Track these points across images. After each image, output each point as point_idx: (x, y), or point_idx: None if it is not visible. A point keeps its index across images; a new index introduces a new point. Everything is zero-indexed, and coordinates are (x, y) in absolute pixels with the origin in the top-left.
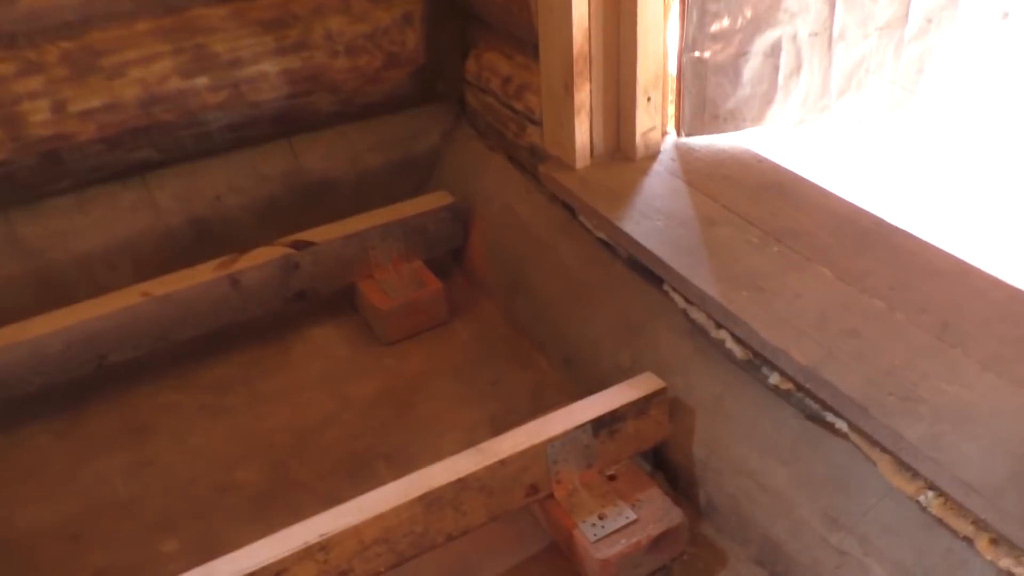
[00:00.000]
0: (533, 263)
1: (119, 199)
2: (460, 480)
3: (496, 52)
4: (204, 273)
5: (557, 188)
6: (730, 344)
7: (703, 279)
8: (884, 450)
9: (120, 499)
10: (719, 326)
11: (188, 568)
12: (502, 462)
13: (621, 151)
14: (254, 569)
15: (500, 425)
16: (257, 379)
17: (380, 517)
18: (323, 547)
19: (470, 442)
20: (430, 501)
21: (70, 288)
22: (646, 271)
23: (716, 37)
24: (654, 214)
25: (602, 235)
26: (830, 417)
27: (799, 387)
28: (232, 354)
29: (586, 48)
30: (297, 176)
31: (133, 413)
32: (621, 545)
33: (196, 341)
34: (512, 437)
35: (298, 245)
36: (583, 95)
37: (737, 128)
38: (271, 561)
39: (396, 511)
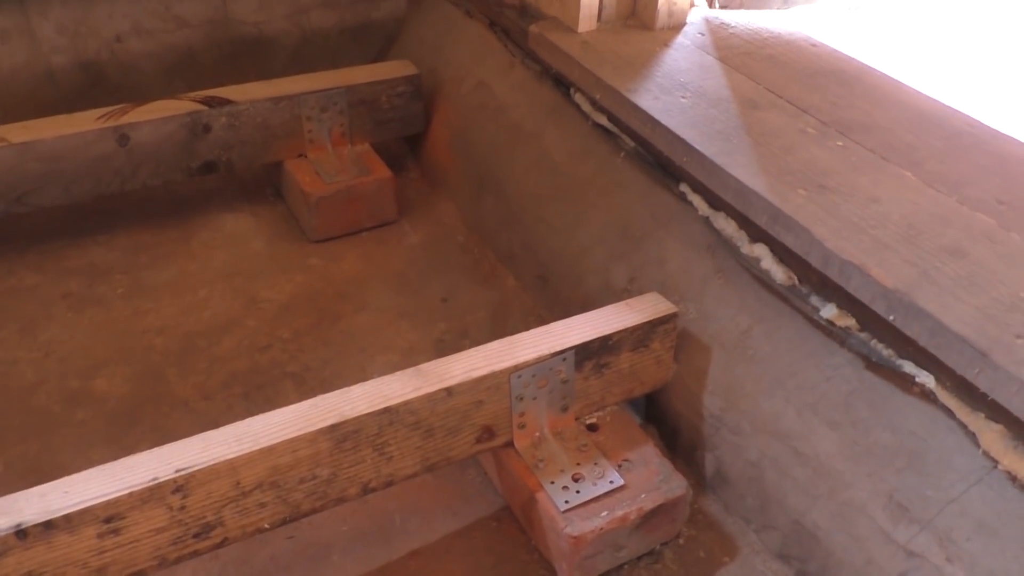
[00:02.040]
0: (508, 154)
1: None
2: (388, 410)
3: None
4: (83, 122)
5: (551, 54)
6: (768, 263)
7: (743, 170)
8: (995, 416)
9: None
10: (755, 239)
11: None
12: (448, 391)
13: (636, 17)
14: (70, 511)
15: (448, 351)
16: (143, 268)
17: (268, 451)
18: (179, 487)
19: (407, 367)
20: (343, 435)
21: None
22: (657, 167)
23: None
24: (678, 89)
25: (602, 120)
26: (908, 367)
27: (863, 325)
28: (116, 235)
29: None
30: (223, 26)
31: None
32: (602, 519)
33: (72, 213)
34: (465, 359)
35: (211, 102)
36: None
37: (786, 3)
38: (97, 501)
39: (292, 446)
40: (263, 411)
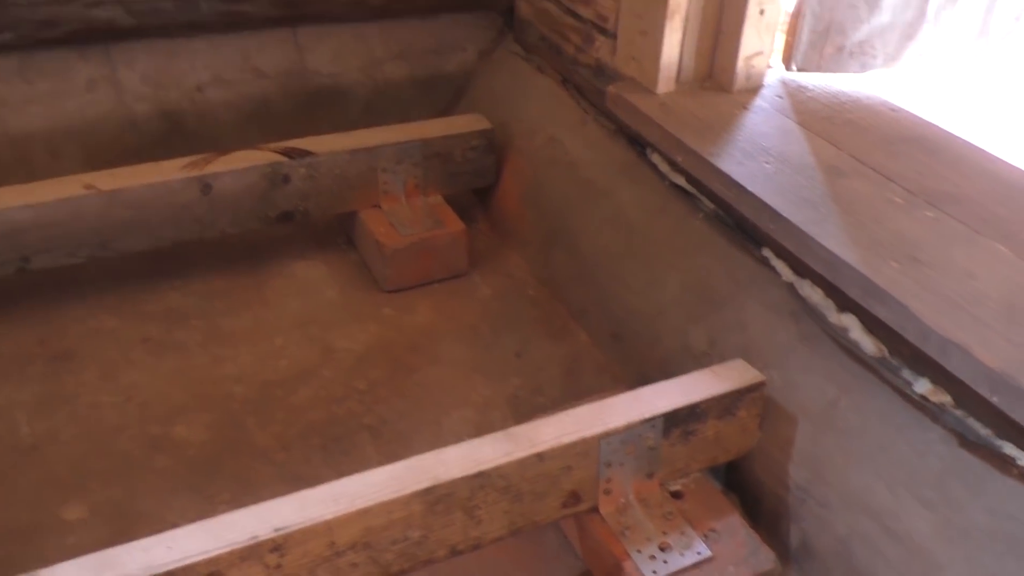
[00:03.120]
0: (581, 211)
1: (74, 72)
2: (481, 475)
3: None
4: (168, 171)
5: (629, 115)
6: (856, 334)
7: (834, 240)
8: None
9: (20, 441)
10: (843, 309)
11: (91, 543)
12: (540, 456)
13: (713, 79)
14: (173, 567)
15: (522, 408)
16: (219, 314)
17: (364, 513)
18: (277, 546)
19: (482, 423)
20: (436, 498)
21: None
22: (737, 230)
23: None
24: (760, 154)
25: (679, 180)
26: (1008, 448)
27: (959, 402)
28: (191, 280)
29: None
30: (299, 77)
31: (56, 336)
32: None
33: (148, 257)
34: (556, 423)
35: (291, 153)
36: None
37: (864, 67)
38: (199, 558)
39: (387, 508)
40: (341, 464)
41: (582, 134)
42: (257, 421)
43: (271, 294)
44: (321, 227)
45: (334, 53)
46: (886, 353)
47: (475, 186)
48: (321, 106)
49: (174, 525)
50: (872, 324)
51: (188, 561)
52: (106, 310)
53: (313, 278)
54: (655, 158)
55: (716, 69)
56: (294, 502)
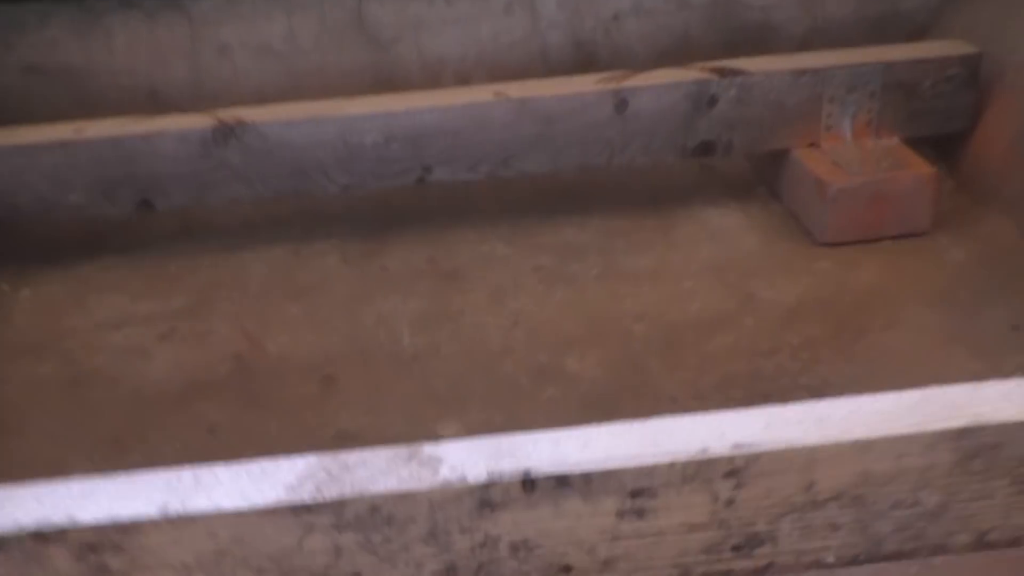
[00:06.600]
0: None
1: None
2: None
3: None
4: (582, 84)
5: None
6: None
7: None
8: None
9: (402, 352)
10: None
11: None
12: None
13: None
14: (588, 468)
15: None
16: (619, 252)
17: (863, 448)
18: (734, 471)
19: None
20: (975, 449)
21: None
22: None
23: None
24: None
25: None
26: None
27: None
28: (589, 217)
29: None
30: (727, 8)
31: (446, 256)
32: None
33: (544, 191)
34: None
35: (721, 71)
36: None
37: None
38: (626, 464)
39: (897, 446)
40: None
41: None
42: (662, 364)
43: (679, 237)
44: (734, 175)
45: None
46: None
47: (943, 130)
48: (746, 44)
49: None
50: None
51: (610, 465)
52: (499, 238)
53: (728, 225)
54: None
55: None
56: (759, 417)
